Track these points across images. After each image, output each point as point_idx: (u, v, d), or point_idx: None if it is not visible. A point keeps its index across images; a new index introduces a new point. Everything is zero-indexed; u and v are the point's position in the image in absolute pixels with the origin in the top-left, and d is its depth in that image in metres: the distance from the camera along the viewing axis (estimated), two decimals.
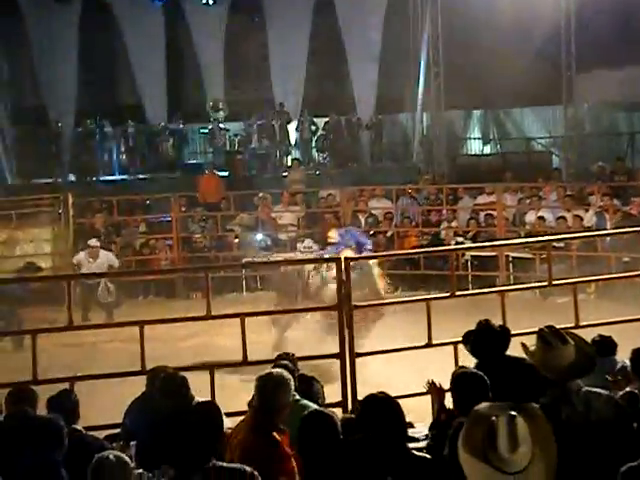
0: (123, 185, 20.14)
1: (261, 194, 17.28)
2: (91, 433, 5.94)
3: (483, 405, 3.92)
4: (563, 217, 15.10)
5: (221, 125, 21.54)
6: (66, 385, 6.94)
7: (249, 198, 17.51)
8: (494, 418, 3.68)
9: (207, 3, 21.28)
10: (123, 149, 21.70)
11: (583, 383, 4.79)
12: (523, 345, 5.07)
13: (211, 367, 7.40)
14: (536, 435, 3.71)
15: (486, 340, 5.96)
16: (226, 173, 20.33)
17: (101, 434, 6.26)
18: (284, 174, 20.31)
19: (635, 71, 19.65)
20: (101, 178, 20.87)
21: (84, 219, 16.62)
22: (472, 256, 15.37)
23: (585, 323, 7.89)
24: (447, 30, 20.32)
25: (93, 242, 14.64)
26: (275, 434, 4.93)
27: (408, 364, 8.82)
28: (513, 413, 3.69)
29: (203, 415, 4.67)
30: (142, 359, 7.16)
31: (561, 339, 4.78)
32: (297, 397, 5.73)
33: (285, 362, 6.38)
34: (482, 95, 20.86)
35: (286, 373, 5.25)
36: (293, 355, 6.85)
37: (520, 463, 3.63)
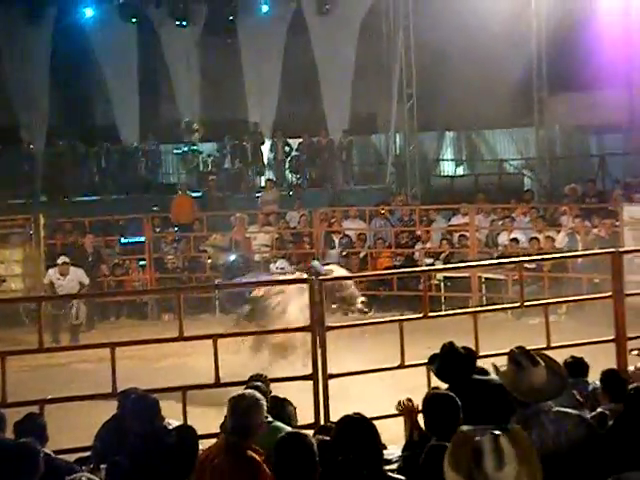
0: (96, 206, 20.02)
1: (238, 214, 17.30)
2: (62, 456, 5.87)
3: (466, 427, 3.95)
4: (536, 238, 15.19)
5: (194, 147, 21.52)
6: (35, 408, 6.86)
7: (222, 219, 17.48)
8: (479, 438, 3.71)
9: (180, 24, 21.28)
10: (96, 170, 21.60)
11: (554, 403, 4.80)
12: (494, 366, 5.08)
13: (183, 389, 7.34)
14: (521, 455, 3.73)
15: (451, 363, 5.95)
16: (199, 194, 20.29)
17: (72, 457, 6.20)
18: (257, 195, 20.31)
19: (604, 94, 19.86)
20: (73, 199, 20.74)
21: (55, 240, 16.49)
22: (445, 277, 15.42)
23: (557, 344, 7.91)
24: (420, 52, 20.45)
25: (62, 259, 14.54)
26: (252, 454, 4.89)
27: (381, 385, 8.81)
28: (497, 432, 3.71)
29: (181, 438, 4.63)
30: (113, 381, 7.10)
31: (532, 360, 4.79)
32: (270, 419, 5.70)
33: (257, 383, 6.36)
34: (455, 117, 20.98)
35: (258, 394, 5.22)
36: (265, 377, 6.82)
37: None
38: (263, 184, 20.92)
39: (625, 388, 6.61)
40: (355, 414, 4.74)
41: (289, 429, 5.51)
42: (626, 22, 18.46)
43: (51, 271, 14.53)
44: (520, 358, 4.79)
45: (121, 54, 21.46)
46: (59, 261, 14.58)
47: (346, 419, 4.73)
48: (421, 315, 8.18)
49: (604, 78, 19.34)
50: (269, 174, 21.71)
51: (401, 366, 7.89)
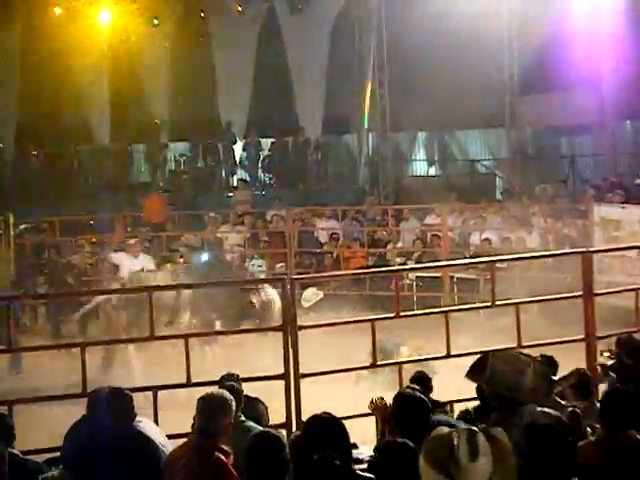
0: (67, 206, 19.86)
1: (212, 214, 17.28)
2: (31, 457, 5.81)
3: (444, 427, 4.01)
4: (508, 238, 15.27)
5: (164, 142, 21.48)
6: (4, 408, 6.79)
7: (194, 218, 17.43)
8: (455, 432, 3.76)
9: (153, 23, 21.19)
10: (66, 169, 21.47)
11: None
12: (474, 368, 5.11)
13: (154, 388, 7.30)
14: (497, 453, 3.77)
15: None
16: (171, 193, 20.22)
17: (42, 457, 6.14)
18: (229, 194, 20.27)
19: (575, 95, 19.99)
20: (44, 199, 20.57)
21: (24, 240, 16.35)
22: (417, 277, 15.45)
23: (527, 343, 7.94)
24: (392, 52, 20.50)
25: (133, 241, 14.45)
26: (219, 455, 4.88)
27: (352, 385, 8.81)
28: (474, 428, 3.76)
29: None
30: (83, 381, 7.04)
31: (527, 363, 4.83)
32: (242, 418, 5.69)
33: (229, 383, 6.33)
34: (427, 117, 21.03)
35: (227, 394, 5.20)
36: (237, 376, 6.79)
37: (481, 475, 3.68)
38: (235, 184, 20.89)
39: (592, 387, 6.68)
40: (324, 413, 4.73)
41: (260, 428, 5.50)
42: (596, 23, 18.57)
43: (121, 254, 14.34)
44: (518, 361, 4.83)
45: (92, 53, 21.30)
46: (131, 241, 14.44)
47: (314, 418, 4.72)
48: (393, 315, 8.18)
49: (574, 79, 19.47)
50: (241, 174, 21.69)
51: (373, 365, 7.91)
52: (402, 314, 8.17)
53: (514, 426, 4.58)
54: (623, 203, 14.82)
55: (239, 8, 21.28)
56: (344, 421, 4.83)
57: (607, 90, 19.05)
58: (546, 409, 4.84)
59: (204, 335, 8.21)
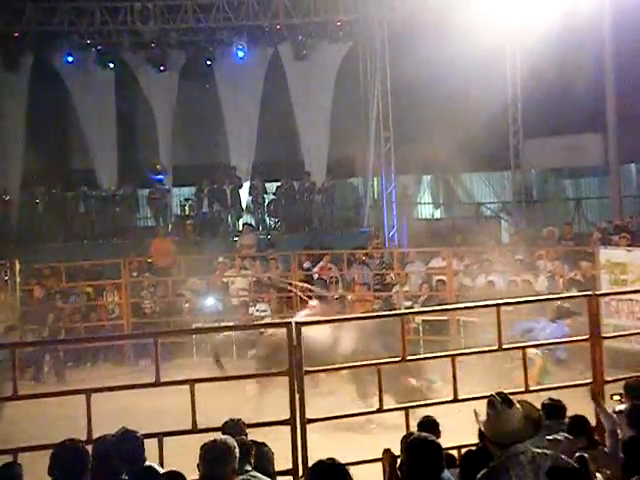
0: (74, 251, 19.90)
1: (221, 259, 17.33)
2: None
3: None
4: (514, 281, 15.23)
5: (165, 186, 21.56)
6: (9, 457, 6.75)
7: (200, 263, 17.44)
8: None
9: (158, 70, 21.38)
10: (73, 215, 21.55)
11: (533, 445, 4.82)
12: (475, 412, 5.07)
13: (159, 435, 7.24)
14: None
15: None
16: (177, 238, 20.25)
17: None
18: (235, 238, 20.29)
19: (579, 138, 20.09)
20: (50, 244, 20.61)
21: (30, 286, 16.35)
22: (423, 320, 15.40)
23: (535, 387, 7.90)
24: (397, 96, 20.63)
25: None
26: None
27: (360, 430, 8.75)
28: None
29: None
30: (89, 428, 7.00)
31: (507, 403, 4.81)
32: (248, 468, 5.62)
33: (232, 429, 6.27)
34: (432, 160, 21.12)
35: (231, 440, 5.14)
36: (240, 420, 6.74)
37: None
38: (241, 228, 20.92)
39: (591, 433, 6.63)
40: (328, 459, 4.69)
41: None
42: (600, 66, 18.69)
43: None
44: (496, 402, 4.82)
45: (99, 99, 21.52)
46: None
47: (318, 464, 4.68)
48: (399, 358, 8.13)
49: (578, 122, 19.59)
50: (247, 218, 21.73)
51: (380, 410, 7.85)
52: (408, 357, 8.14)
53: (511, 467, 4.58)
54: (629, 246, 14.80)
55: (244, 54, 21.48)
56: (350, 467, 4.79)
57: (611, 133, 19.13)
58: (543, 450, 4.83)
59: (209, 381, 8.13)
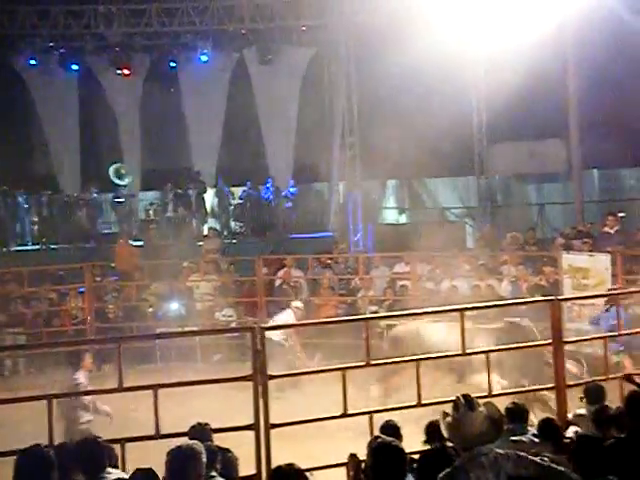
0: (36, 255, 19.73)
1: (186, 263, 17.25)
2: None
3: None
4: (477, 285, 15.30)
5: (124, 191, 21.44)
6: None
7: (164, 267, 17.34)
8: None
9: (122, 73, 21.26)
10: (36, 219, 21.37)
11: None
12: (443, 413, 5.09)
13: (122, 441, 7.18)
14: None
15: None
16: (141, 242, 20.14)
17: None
18: (200, 243, 20.20)
19: (542, 144, 20.25)
20: (12, 248, 20.43)
21: None
22: (388, 325, 15.40)
23: (498, 392, 7.94)
24: (362, 101, 20.67)
25: None
26: None
27: (323, 434, 8.74)
28: None
29: None
30: (50, 434, 6.93)
31: (470, 405, 4.83)
32: (213, 474, 5.59)
33: (199, 435, 6.24)
34: (397, 165, 21.17)
35: (197, 446, 5.12)
36: (207, 425, 6.70)
37: None
38: (206, 232, 20.84)
39: (561, 436, 6.67)
40: (287, 465, 4.68)
41: None
42: (563, 73, 18.85)
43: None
44: (459, 404, 4.83)
45: (61, 102, 21.37)
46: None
47: (277, 470, 4.67)
48: (364, 363, 8.13)
49: (542, 128, 19.75)
50: (212, 222, 21.65)
51: (344, 415, 7.84)
52: (373, 362, 8.14)
53: (473, 468, 4.61)
54: (591, 251, 14.92)
55: (208, 58, 21.42)
56: (316, 472, 4.79)
57: (574, 139, 19.31)
58: (504, 450, 4.85)
59: (173, 386, 8.07)
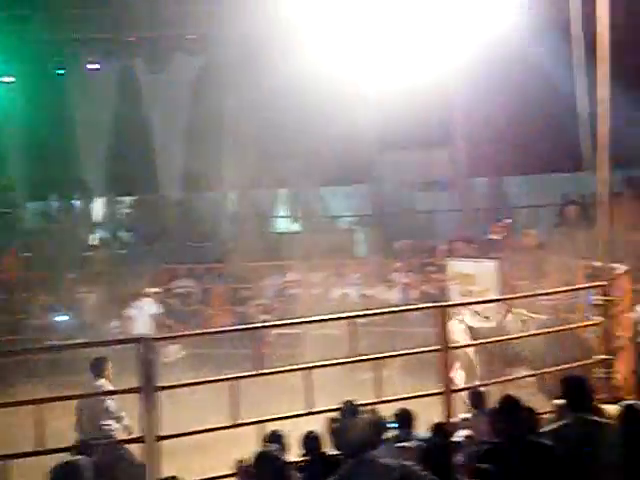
0: None
1: (70, 275, 16.94)
2: None
3: None
4: (367, 294, 15.47)
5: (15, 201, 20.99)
6: None
7: (52, 279, 17.00)
8: None
9: (9, 81, 20.75)
10: None
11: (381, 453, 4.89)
12: (329, 420, 5.14)
13: (4, 457, 6.99)
14: None
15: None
16: (27, 253, 19.66)
17: None
18: (88, 254, 19.84)
19: (430, 153, 20.61)
20: None
21: None
22: (279, 334, 15.43)
23: (388, 398, 8.02)
24: (253, 110, 20.64)
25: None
26: None
27: (213, 445, 8.69)
28: None
29: None
30: None
31: (353, 412, 4.90)
32: None
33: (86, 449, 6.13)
34: (288, 174, 21.24)
35: (83, 461, 5.02)
36: (97, 439, 6.59)
37: None
38: (94, 243, 20.49)
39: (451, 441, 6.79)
40: (169, 477, 4.68)
41: None
42: (448, 82, 19.19)
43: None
44: (343, 412, 4.90)
45: None
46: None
47: None
48: (254, 372, 8.13)
49: (429, 137, 20.10)
50: (100, 232, 21.30)
51: (234, 425, 7.81)
52: (263, 371, 8.15)
53: (356, 476, 4.66)
54: (476, 258, 15.22)
55: (97, 65, 21.07)
56: None
57: (460, 148, 19.73)
58: (387, 459, 4.92)
59: (56, 400, 7.88)
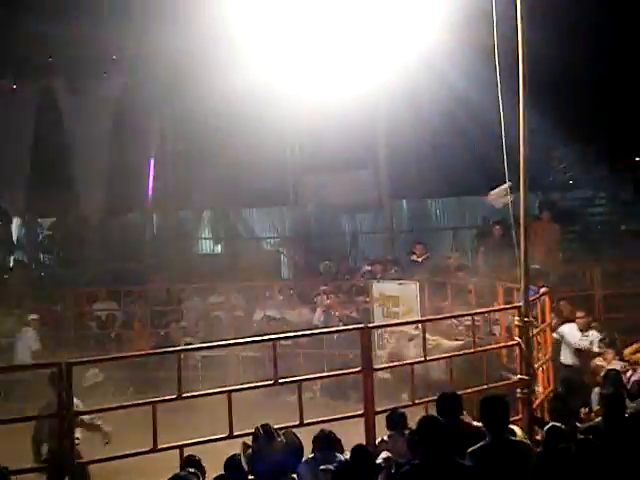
0: None
1: None
2: None
3: None
4: (288, 316, 15.45)
5: None
6: None
7: None
8: None
9: None
10: None
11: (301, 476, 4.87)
12: (244, 444, 5.09)
13: None
14: None
15: None
16: None
17: None
18: (5, 276, 19.45)
19: (354, 175, 20.75)
20: None
21: None
22: (202, 356, 15.31)
23: (310, 420, 7.99)
24: (176, 132, 20.54)
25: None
26: None
27: (135, 470, 8.55)
28: None
29: None
30: None
31: (269, 436, 4.87)
32: None
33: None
34: (212, 196, 21.14)
35: None
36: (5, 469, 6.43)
37: None
38: (12, 265, 20.12)
39: (373, 463, 6.79)
40: None
41: None
42: (373, 106, 19.31)
43: None
44: (259, 435, 4.86)
45: None
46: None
47: None
48: (175, 396, 8.03)
49: (353, 160, 20.24)
50: (18, 254, 20.90)
51: (153, 450, 7.69)
52: (184, 395, 8.04)
53: None
54: (400, 279, 15.35)
55: (14, 86, 20.66)
56: None
57: (383, 171, 19.92)
58: None
59: None
